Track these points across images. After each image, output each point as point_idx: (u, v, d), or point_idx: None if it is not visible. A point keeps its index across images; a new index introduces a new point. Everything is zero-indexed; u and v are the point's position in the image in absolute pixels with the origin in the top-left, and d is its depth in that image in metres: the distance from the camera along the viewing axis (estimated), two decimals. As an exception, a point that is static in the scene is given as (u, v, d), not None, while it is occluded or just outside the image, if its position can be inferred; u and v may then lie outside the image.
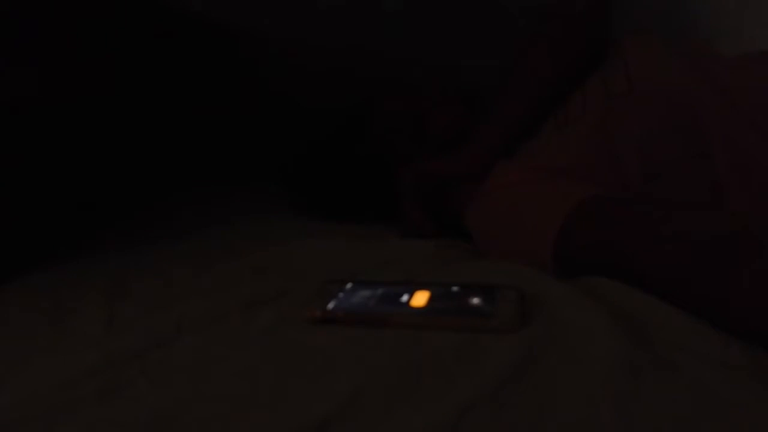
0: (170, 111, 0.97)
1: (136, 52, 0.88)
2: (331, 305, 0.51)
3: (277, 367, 0.44)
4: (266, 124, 1.07)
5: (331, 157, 0.90)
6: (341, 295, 0.53)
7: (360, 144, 0.88)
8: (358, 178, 0.87)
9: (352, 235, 0.75)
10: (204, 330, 0.50)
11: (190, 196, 0.90)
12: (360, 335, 0.48)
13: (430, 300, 0.51)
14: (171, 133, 0.98)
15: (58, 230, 0.73)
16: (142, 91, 0.91)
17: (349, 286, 0.55)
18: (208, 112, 1.03)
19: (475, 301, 0.50)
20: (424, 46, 1.02)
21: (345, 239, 0.71)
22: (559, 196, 0.64)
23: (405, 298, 0.51)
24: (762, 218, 0.59)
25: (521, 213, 0.67)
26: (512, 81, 0.78)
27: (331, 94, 0.97)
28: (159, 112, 0.94)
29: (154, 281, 0.60)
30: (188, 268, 0.62)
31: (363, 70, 1.03)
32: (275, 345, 0.48)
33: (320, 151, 0.91)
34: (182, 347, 0.48)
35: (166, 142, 0.97)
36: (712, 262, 0.49)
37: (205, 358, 0.46)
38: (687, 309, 0.50)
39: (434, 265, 0.64)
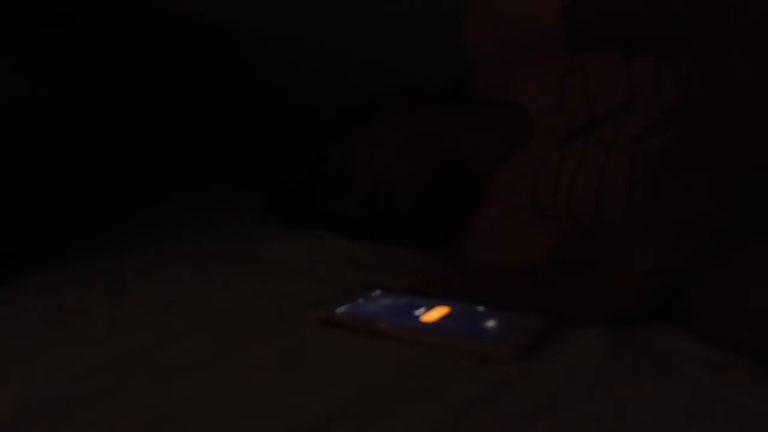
0: (170, 112, 0.97)
1: (135, 53, 0.88)
2: (342, 309, 0.50)
3: (279, 366, 0.44)
4: (267, 126, 1.07)
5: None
6: (361, 300, 0.52)
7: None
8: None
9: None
10: (205, 330, 0.50)
11: (191, 196, 0.90)
12: (363, 338, 0.48)
13: (444, 317, 0.49)
14: (171, 134, 0.98)
15: (59, 230, 0.73)
16: (142, 91, 0.91)
17: (377, 292, 0.54)
18: (208, 113, 1.03)
19: (490, 324, 0.47)
20: (424, 49, 1.02)
21: (346, 240, 0.71)
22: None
23: (419, 311, 0.50)
24: None
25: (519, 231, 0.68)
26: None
27: (332, 95, 0.97)
28: (159, 113, 0.94)
29: (155, 281, 0.60)
30: (189, 269, 0.62)
31: (362, 72, 1.04)
32: (276, 344, 0.48)
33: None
34: (183, 347, 0.48)
35: (167, 143, 0.97)
36: None
37: (207, 357, 0.46)
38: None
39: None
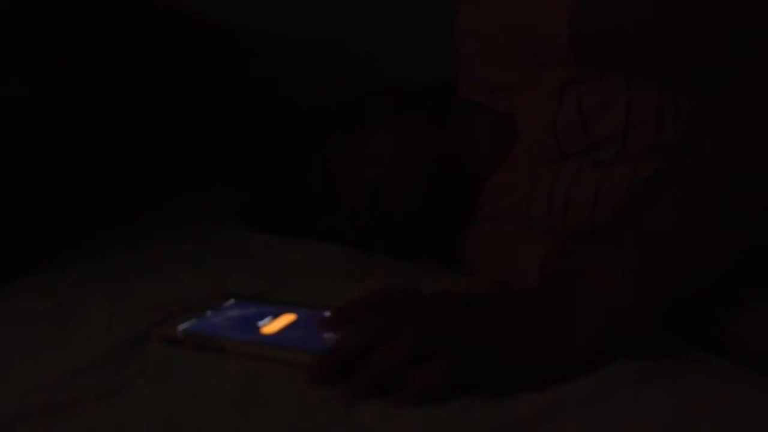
0: (170, 111, 0.97)
1: (135, 53, 0.88)
2: (185, 325, 0.47)
3: (278, 366, 0.44)
4: (268, 126, 1.07)
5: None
6: (210, 312, 0.49)
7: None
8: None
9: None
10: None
11: (191, 197, 0.90)
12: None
13: (288, 326, 0.46)
14: (172, 134, 0.98)
15: (58, 230, 0.73)
16: (142, 91, 0.91)
17: (229, 302, 0.51)
18: (208, 112, 1.03)
19: (328, 334, 0.44)
20: (423, 47, 1.02)
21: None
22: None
23: (263, 321, 0.47)
24: None
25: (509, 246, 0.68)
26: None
27: (334, 96, 0.97)
28: (159, 113, 0.94)
29: (154, 282, 0.60)
30: (189, 269, 0.62)
31: (364, 73, 1.04)
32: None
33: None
34: (182, 348, 0.47)
35: (167, 144, 0.97)
36: None
37: (205, 358, 0.46)
38: None
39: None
